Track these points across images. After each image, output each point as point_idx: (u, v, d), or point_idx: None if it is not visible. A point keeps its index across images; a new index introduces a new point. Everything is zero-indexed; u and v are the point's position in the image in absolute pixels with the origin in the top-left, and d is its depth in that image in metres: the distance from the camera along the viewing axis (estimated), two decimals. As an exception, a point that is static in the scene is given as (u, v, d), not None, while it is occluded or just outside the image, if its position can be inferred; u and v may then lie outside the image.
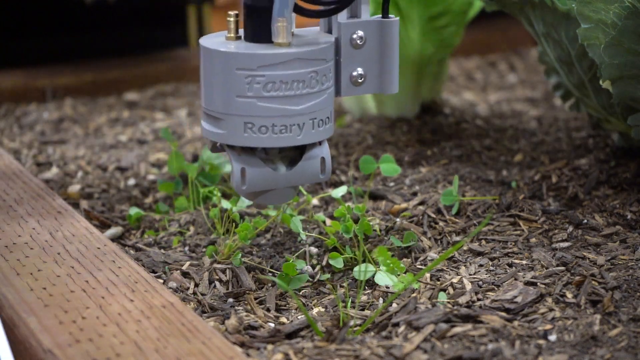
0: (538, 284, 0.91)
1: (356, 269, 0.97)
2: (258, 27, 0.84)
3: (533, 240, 1.01)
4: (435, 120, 1.36)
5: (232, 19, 0.86)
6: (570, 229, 1.02)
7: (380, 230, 1.04)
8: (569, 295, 0.89)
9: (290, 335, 0.87)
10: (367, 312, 0.90)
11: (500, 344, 0.82)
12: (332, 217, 1.07)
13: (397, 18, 0.88)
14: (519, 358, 0.80)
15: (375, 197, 1.12)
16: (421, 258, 1.00)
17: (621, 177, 1.12)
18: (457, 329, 0.84)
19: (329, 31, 0.88)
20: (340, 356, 0.81)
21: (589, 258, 0.95)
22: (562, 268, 0.93)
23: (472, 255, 0.99)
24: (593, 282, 0.90)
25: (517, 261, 0.96)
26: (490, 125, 1.39)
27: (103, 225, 1.12)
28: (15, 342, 0.82)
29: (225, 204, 1.07)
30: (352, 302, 0.93)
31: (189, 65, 1.73)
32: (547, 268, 0.94)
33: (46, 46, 1.71)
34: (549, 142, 1.30)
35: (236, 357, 0.77)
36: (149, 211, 1.16)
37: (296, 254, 1.02)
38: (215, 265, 1.00)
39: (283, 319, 0.91)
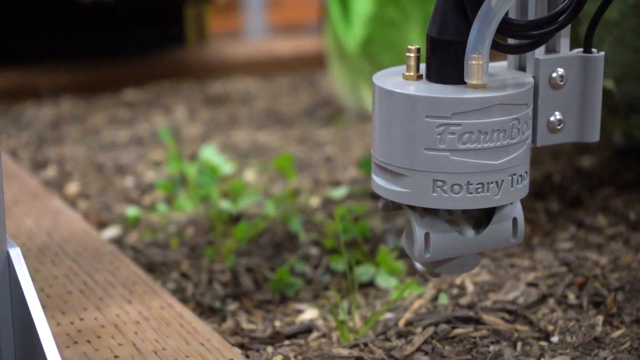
0: (540, 285, 0.90)
1: (357, 270, 0.96)
2: (447, 65, 0.72)
3: (535, 240, 1.01)
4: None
5: (412, 55, 0.72)
6: (573, 229, 1.02)
7: (381, 231, 1.04)
8: (572, 296, 0.88)
9: (290, 337, 0.86)
10: (367, 314, 0.90)
11: (501, 345, 0.82)
12: (332, 216, 1.07)
13: (602, 53, 0.76)
14: (521, 358, 0.80)
15: (375, 197, 1.12)
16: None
17: (624, 177, 1.11)
18: (459, 331, 0.84)
19: (521, 68, 0.76)
20: (340, 358, 0.80)
21: (591, 259, 0.95)
22: (565, 269, 0.93)
23: (473, 256, 0.99)
24: (596, 283, 0.89)
25: (519, 262, 0.96)
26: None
27: (101, 226, 1.12)
28: (12, 344, 0.82)
29: (225, 204, 1.07)
30: (352, 304, 0.93)
31: (188, 64, 1.73)
32: (549, 269, 0.94)
33: (44, 45, 1.71)
34: (550, 141, 1.30)
35: (235, 359, 0.76)
36: (147, 211, 1.15)
37: (295, 255, 1.01)
38: (214, 266, 1.00)
39: (283, 321, 0.91)
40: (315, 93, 1.63)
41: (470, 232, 0.74)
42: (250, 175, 1.22)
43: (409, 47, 0.72)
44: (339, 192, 1.06)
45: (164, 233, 1.08)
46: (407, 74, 0.72)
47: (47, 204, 1.07)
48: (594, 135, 0.76)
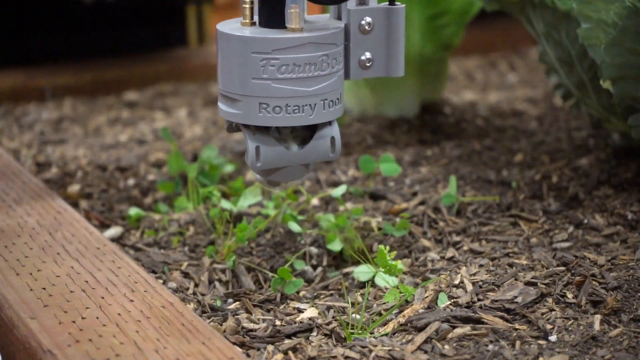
0: (538, 284, 0.91)
1: (357, 270, 0.96)
2: (272, 14, 0.88)
3: (533, 240, 1.01)
4: (435, 120, 1.36)
5: (247, 6, 0.90)
6: (571, 229, 1.02)
7: (380, 230, 1.04)
8: (570, 295, 0.89)
9: (291, 336, 0.87)
10: (366, 314, 0.90)
11: (500, 344, 0.82)
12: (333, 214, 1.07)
13: (404, 5, 0.92)
14: (520, 358, 0.80)
15: (375, 197, 1.12)
16: (421, 258, 1.00)
17: (622, 177, 1.12)
18: (458, 330, 0.84)
19: (339, 18, 0.93)
20: (340, 357, 0.81)
21: (589, 258, 0.95)
22: (563, 268, 0.93)
23: (472, 256, 0.99)
24: (593, 282, 0.90)
25: (517, 261, 0.96)
26: (490, 125, 1.39)
27: (103, 225, 1.12)
28: (15, 342, 0.82)
29: (226, 204, 1.07)
30: (352, 304, 0.93)
31: (189, 65, 1.73)
32: (547, 268, 0.94)
33: (46, 46, 1.71)
34: (549, 142, 1.30)
35: (236, 358, 0.76)
36: (148, 211, 1.16)
37: (296, 255, 1.02)
38: (215, 265, 1.00)
39: (283, 320, 0.91)
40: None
41: (295, 147, 0.90)
42: (251, 174, 1.22)
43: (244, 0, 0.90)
44: (339, 192, 1.06)
45: (165, 233, 1.08)
46: (244, 21, 0.90)
47: (49, 204, 1.07)
48: (398, 71, 0.93)
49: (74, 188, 1.21)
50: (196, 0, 1.81)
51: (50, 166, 1.31)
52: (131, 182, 1.24)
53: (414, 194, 1.12)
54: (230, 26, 0.90)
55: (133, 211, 1.12)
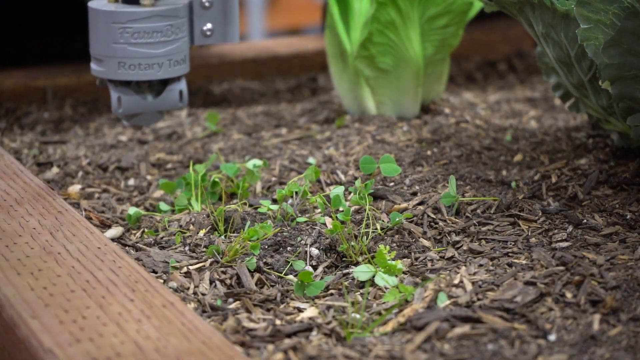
0: (538, 283, 0.91)
1: (356, 269, 0.97)
2: None
3: (533, 240, 1.01)
4: (435, 120, 1.36)
5: None
6: (570, 228, 1.03)
7: (382, 229, 1.04)
8: (569, 295, 0.89)
9: (291, 336, 0.87)
10: (366, 313, 0.90)
11: (500, 344, 0.82)
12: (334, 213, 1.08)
13: None
14: (519, 358, 0.80)
15: (375, 197, 1.12)
16: (420, 258, 1.00)
17: (621, 177, 1.12)
18: (458, 330, 0.85)
19: None
20: (340, 357, 0.81)
21: (588, 258, 0.95)
22: (562, 268, 0.93)
23: (472, 255, 0.99)
24: (592, 282, 0.90)
25: (516, 261, 0.96)
26: (490, 125, 1.39)
27: (103, 225, 1.12)
28: (16, 342, 0.82)
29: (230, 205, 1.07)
30: (352, 303, 0.93)
31: (190, 65, 1.73)
32: (546, 268, 0.94)
33: (47, 46, 1.71)
34: (549, 142, 1.30)
35: (236, 357, 0.77)
36: (149, 211, 1.16)
37: (296, 254, 1.02)
38: (215, 265, 1.00)
39: (283, 319, 0.91)
40: (315, 94, 1.64)
41: (150, 97, 1.17)
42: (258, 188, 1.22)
43: None
44: (337, 191, 1.06)
45: (165, 232, 1.08)
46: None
47: (50, 204, 1.07)
48: (233, 38, 1.19)
49: (75, 188, 1.22)
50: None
51: (51, 166, 1.31)
52: (132, 182, 1.25)
53: (414, 194, 1.12)
54: (99, 3, 1.15)
55: (133, 211, 1.12)
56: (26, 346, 0.80)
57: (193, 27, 1.17)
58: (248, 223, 1.06)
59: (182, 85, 1.18)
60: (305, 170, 1.15)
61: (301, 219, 1.07)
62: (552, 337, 0.83)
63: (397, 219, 1.04)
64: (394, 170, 1.07)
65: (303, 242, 1.04)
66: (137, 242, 1.07)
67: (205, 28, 1.18)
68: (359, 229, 1.05)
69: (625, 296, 0.88)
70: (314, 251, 1.02)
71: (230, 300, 0.94)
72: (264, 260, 1.01)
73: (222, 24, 1.18)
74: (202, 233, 1.07)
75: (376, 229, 1.04)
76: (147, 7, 1.12)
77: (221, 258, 1.01)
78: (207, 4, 1.16)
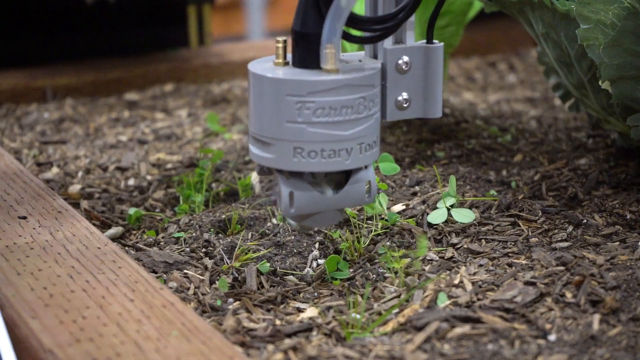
0: (537, 284, 0.91)
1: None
2: (306, 53, 0.86)
3: (533, 240, 1.01)
4: (435, 121, 1.36)
5: (280, 45, 0.87)
6: (570, 229, 1.03)
7: (382, 229, 1.04)
8: (569, 295, 0.89)
9: (291, 336, 0.87)
10: (366, 314, 0.90)
11: (500, 344, 0.82)
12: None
13: (442, 44, 0.90)
14: (519, 358, 0.80)
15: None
16: (420, 258, 1.00)
17: (620, 177, 1.12)
18: (457, 330, 0.85)
19: (375, 56, 0.90)
20: (340, 357, 0.81)
21: (588, 258, 0.95)
22: (562, 268, 0.93)
23: (471, 255, 0.99)
24: (592, 282, 0.90)
25: (516, 261, 0.96)
26: (490, 125, 1.39)
27: (103, 225, 1.12)
28: (16, 342, 0.82)
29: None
30: (352, 303, 0.93)
31: (190, 66, 1.73)
32: (546, 268, 0.94)
33: (46, 46, 1.71)
34: (549, 142, 1.30)
35: (236, 357, 0.77)
36: (149, 211, 1.16)
37: (296, 253, 1.02)
38: (215, 266, 1.00)
39: (283, 319, 0.91)
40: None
41: (329, 192, 0.87)
42: (255, 175, 1.22)
43: (278, 38, 0.87)
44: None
45: (165, 232, 1.09)
46: (277, 61, 0.87)
47: (50, 204, 1.07)
48: (436, 112, 0.91)
49: (75, 188, 1.22)
50: (197, 0, 1.81)
51: (51, 166, 1.31)
52: (132, 182, 1.25)
53: (414, 194, 1.12)
54: (263, 66, 0.87)
55: (133, 211, 1.12)
56: (26, 346, 0.80)
57: (385, 98, 0.89)
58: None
59: (370, 174, 0.89)
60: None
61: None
62: (552, 337, 0.83)
63: (396, 219, 1.04)
64: (393, 169, 1.07)
65: (304, 242, 1.04)
66: (137, 242, 1.07)
67: (400, 98, 0.89)
68: (359, 229, 1.05)
69: (625, 296, 0.88)
70: (316, 253, 1.02)
71: (230, 300, 0.94)
72: (266, 260, 1.01)
73: (421, 92, 0.90)
74: (202, 234, 1.07)
75: (376, 228, 1.04)
76: (333, 74, 0.84)
77: (229, 260, 1.01)
78: (404, 67, 0.89)
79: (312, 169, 0.85)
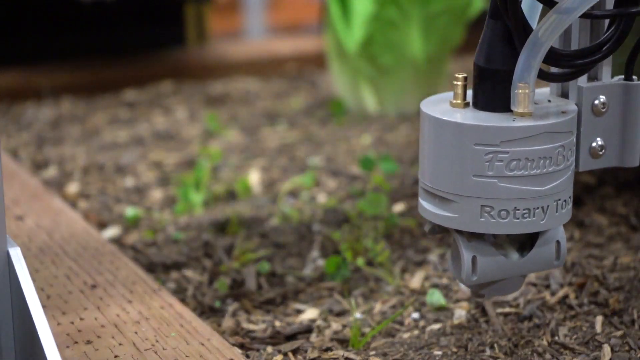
0: (540, 284, 0.91)
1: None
2: (494, 94, 0.74)
3: (534, 240, 1.01)
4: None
5: (459, 83, 0.75)
6: (573, 229, 1.02)
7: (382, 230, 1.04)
8: (572, 296, 0.89)
9: (290, 337, 0.86)
10: (367, 314, 0.90)
11: (501, 344, 0.82)
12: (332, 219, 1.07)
13: None
14: (520, 358, 0.80)
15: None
16: (421, 258, 1.00)
17: (623, 177, 1.12)
18: (459, 331, 0.84)
19: (564, 95, 0.79)
20: (341, 358, 0.81)
21: (591, 259, 0.95)
22: (565, 269, 0.93)
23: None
24: (595, 283, 0.89)
25: (518, 262, 0.96)
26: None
27: (101, 226, 1.12)
28: (13, 344, 0.82)
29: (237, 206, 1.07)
30: (352, 305, 0.93)
31: (188, 64, 1.73)
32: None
33: (44, 45, 1.71)
34: (550, 141, 1.30)
35: (235, 358, 0.76)
36: (147, 211, 1.16)
37: (298, 255, 1.02)
38: (215, 266, 1.00)
39: (283, 321, 0.91)
40: (315, 93, 1.63)
41: (514, 255, 0.76)
42: (254, 175, 1.22)
43: (457, 75, 0.74)
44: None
45: (163, 233, 1.08)
46: (455, 101, 0.74)
47: (48, 204, 1.07)
48: (634, 160, 0.77)
49: (73, 188, 1.21)
50: (195, -1, 1.81)
51: (48, 166, 1.30)
52: (130, 182, 1.24)
53: (414, 194, 1.12)
54: (440, 108, 0.75)
55: (131, 211, 1.12)
56: (23, 348, 0.80)
57: (579, 145, 0.76)
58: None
59: (560, 233, 0.77)
60: (304, 173, 1.15)
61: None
62: (555, 338, 0.83)
63: (395, 220, 1.03)
64: (393, 169, 1.06)
65: (304, 243, 1.03)
66: (135, 243, 1.07)
67: (595, 145, 0.76)
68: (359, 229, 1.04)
69: (628, 297, 0.88)
70: (316, 253, 1.02)
71: (230, 301, 0.94)
72: (266, 261, 1.01)
73: (619, 137, 0.77)
74: (201, 234, 1.07)
75: (376, 229, 1.04)
76: (528, 120, 0.72)
77: (228, 260, 1.00)
78: (602, 108, 0.76)
79: (503, 231, 0.73)
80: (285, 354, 0.82)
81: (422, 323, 0.88)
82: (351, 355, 0.81)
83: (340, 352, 0.82)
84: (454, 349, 0.82)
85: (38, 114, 1.53)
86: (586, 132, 0.76)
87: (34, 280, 0.89)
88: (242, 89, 1.67)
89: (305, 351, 0.82)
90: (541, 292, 0.89)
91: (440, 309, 0.89)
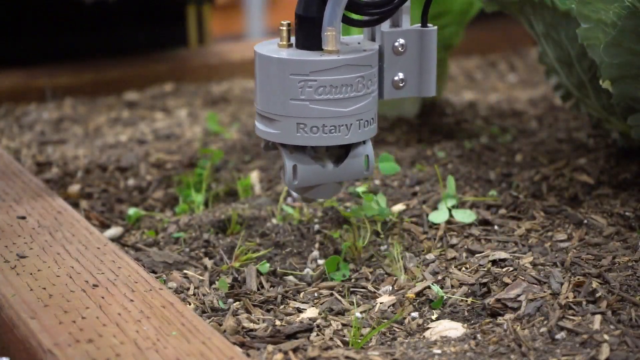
0: (539, 283, 0.91)
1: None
2: (309, 36, 0.91)
3: (533, 240, 1.01)
4: (435, 120, 1.36)
5: (284, 28, 0.92)
6: (571, 229, 1.02)
7: (381, 228, 1.04)
8: (570, 295, 0.89)
9: (291, 336, 0.87)
10: (366, 314, 0.90)
11: (501, 343, 0.82)
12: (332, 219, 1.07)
13: (436, 27, 0.95)
14: (520, 358, 0.80)
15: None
16: (421, 258, 1.00)
17: (621, 177, 1.12)
18: (458, 330, 0.84)
19: (373, 39, 0.96)
20: (341, 357, 0.81)
21: (589, 258, 0.95)
22: (562, 268, 0.93)
23: (472, 256, 0.99)
24: (593, 282, 0.90)
25: (517, 261, 0.96)
26: (490, 125, 1.39)
27: (103, 225, 1.12)
28: (15, 342, 0.82)
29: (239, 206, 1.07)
30: (352, 304, 0.93)
31: (189, 65, 1.73)
32: (547, 268, 0.94)
33: (46, 46, 1.71)
34: (549, 142, 1.30)
35: (236, 357, 0.77)
36: (149, 211, 1.16)
37: (297, 254, 1.02)
38: (215, 266, 1.00)
39: (283, 320, 0.91)
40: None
41: (330, 165, 0.93)
42: (255, 175, 1.22)
43: (282, 22, 0.92)
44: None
45: (165, 233, 1.08)
46: (281, 43, 0.93)
47: (50, 204, 1.07)
48: (431, 91, 0.96)
49: (74, 188, 1.21)
50: (196, 0, 1.81)
51: (50, 166, 1.31)
52: (131, 182, 1.24)
53: (414, 194, 1.12)
54: (268, 48, 0.92)
55: (133, 211, 1.12)
56: (26, 346, 0.80)
57: (383, 78, 0.95)
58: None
59: (369, 149, 0.95)
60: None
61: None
62: (554, 336, 0.83)
63: (388, 214, 1.04)
64: (393, 169, 1.07)
65: (304, 243, 1.03)
66: (136, 242, 1.07)
67: (397, 78, 0.95)
68: (358, 229, 1.05)
69: (627, 296, 0.88)
70: (316, 253, 1.02)
71: (230, 300, 0.94)
72: (267, 260, 1.01)
73: (416, 72, 0.96)
74: (202, 234, 1.07)
75: (376, 229, 1.04)
76: (334, 55, 0.90)
77: (229, 260, 1.00)
78: (400, 49, 0.94)
79: (313, 144, 0.91)
80: (285, 353, 0.82)
81: (422, 322, 0.89)
82: (351, 355, 0.81)
83: (340, 351, 0.82)
84: (454, 349, 0.83)
85: (40, 114, 1.53)
86: (388, 68, 0.94)
87: (36, 279, 0.89)
88: (242, 90, 1.68)
89: (306, 350, 0.83)
90: (540, 291, 0.89)
91: (439, 305, 0.90)
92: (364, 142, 0.94)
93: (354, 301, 0.93)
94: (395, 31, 0.94)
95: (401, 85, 0.95)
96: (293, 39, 0.93)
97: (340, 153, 0.94)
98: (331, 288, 0.97)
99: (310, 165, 0.93)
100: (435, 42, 0.95)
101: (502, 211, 1.07)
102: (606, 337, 0.82)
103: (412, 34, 0.95)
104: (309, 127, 0.90)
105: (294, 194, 0.95)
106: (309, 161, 0.93)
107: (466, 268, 0.96)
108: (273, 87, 0.90)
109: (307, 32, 0.92)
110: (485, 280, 0.93)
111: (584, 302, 0.87)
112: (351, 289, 0.96)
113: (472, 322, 0.87)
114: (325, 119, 0.90)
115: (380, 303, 0.92)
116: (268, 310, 0.93)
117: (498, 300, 0.89)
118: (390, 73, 0.95)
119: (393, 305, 0.92)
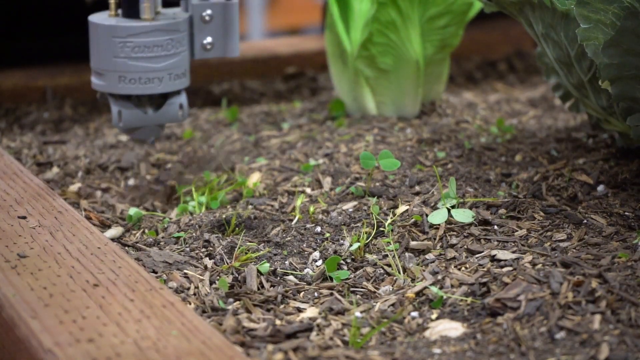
0: (538, 283, 0.91)
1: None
2: (131, 7, 1.14)
3: (533, 240, 1.01)
4: (436, 121, 1.36)
5: (112, 2, 1.16)
6: (570, 228, 1.03)
7: (381, 230, 1.04)
8: (570, 295, 0.89)
9: (291, 336, 0.87)
10: (366, 314, 0.90)
11: (501, 343, 0.82)
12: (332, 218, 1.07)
13: (237, 1, 1.18)
14: (519, 358, 0.80)
15: (375, 196, 1.12)
16: (421, 259, 1.00)
17: (621, 177, 1.12)
18: (458, 330, 0.85)
19: (186, 10, 1.18)
20: (342, 357, 0.81)
21: (588, 258, 0.95)
22: (562, 268, 0.93)
23: (472, 256, 0.99)
24: (593, 282, 0.90)
25: (517, 261, 0.96)
26: (490, 125, 1.39)
27: (103, 225, 1.12)
28: (16, 342, 0.82)
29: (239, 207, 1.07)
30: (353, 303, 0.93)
31: (190, 65, 1.73)
32: (546, 268, 0.94)
33: (47, 46, 1.71)
34: (549, 142, 1.30)
35: (236, 357, 0.77)
36: (149, 211, 1.16)
37: (297, 253, 1.02)
38: (215, 266, 1.00)
39: (284, 319, 0.91)
40: (315, 93, 1.64)
41: (150, 111, 1.16)
42: (255, 175, 1.22)
43: None
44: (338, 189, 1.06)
45: (165, 232, 1.09)
46: (110, 13, 1.16)
47: (50, 204, 1.07)
48: (233, 52, 1.20)
49: (75, 188, 1.22)
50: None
51: (51, 166, 1.31)
52: (132, 182, 1.25)
53: (415, 194, 1.12)
54: (99, 17, 1.16)
55: (133, 211, 1.12)
56: (26, 346, 0.80)
57: (193, 41, 1.17)
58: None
59: (183, 98, 1.17)
60: (305, 173, 1.15)
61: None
62: (553, 336, 0.83)
63: (395, 220, 1.04)
64: (393, 165, 1.07)
65: (304, 243, 1.04)
66: (137, 242, 1.07)
67: (205, 42, 1.17)
68: (359, 229, 1.05)
69: (626, 296, 0.88)
70: (316, 254, 1.02)
71: (230, 300, 0.94)
72: (266, 259, 1.01)
73: (222, 37, 1.18)
74: (202, 234, 1.07)
75: (377, 228, 1.04)
76: (147, 22, 1.13)
77: (229, 260, 1.01)
78: (207, 18, 1.16)
79: (133, 92, 1.14)
80: (285, 352, 0.82)
81: (421, 322, 0.89)
82: (351, 354, 0.81)
83: (340, 351, 0.82)
84: (454, 348, 0.83)
85: (41, 114, 1.53)
86: (198, 33, 1.17)
87: (37, 279, 0.89)
88: (243, 89, 1.68)
89: (306, 349, 0.83)
90: (539, 291, 0.89)
91: (439, 304, 0.90)
92: (179, 92, 1.16)
93: (354, 301, 0.93)
94: (203, 4, 1.16)
95: (209, 47, 1.18)
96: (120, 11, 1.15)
97: (161, 102, 1.16)
98: (331, 288, 0.97)
99: (132, 110, 1.15)
100: (237, 13, 1.18)
101: (502, 211, 1.07)
102: (606, 336, 0.82)
103: (217, 6, 1.17)
104: (129, 79, 1.13)
105: (124, 137, 1.21)
106: (131, 107, 1.15)
107: (466, 268, 0.96)
108: (101, 47, 1.13)
109: (129, 4, 1.14)
110: (484, 280, 0.93)
111: (584, 302, 0.87)
112: (351, 289, 0.96)
113: (472, 321, 0.87)
114: (141, 73, 1.12)
115: (381, 303, 0.92)
116: (268, 310, 0.93)
117: (498, 300, 0.89)
118: (200, 37, 1.17)
119: (393, 305, 0.92)
